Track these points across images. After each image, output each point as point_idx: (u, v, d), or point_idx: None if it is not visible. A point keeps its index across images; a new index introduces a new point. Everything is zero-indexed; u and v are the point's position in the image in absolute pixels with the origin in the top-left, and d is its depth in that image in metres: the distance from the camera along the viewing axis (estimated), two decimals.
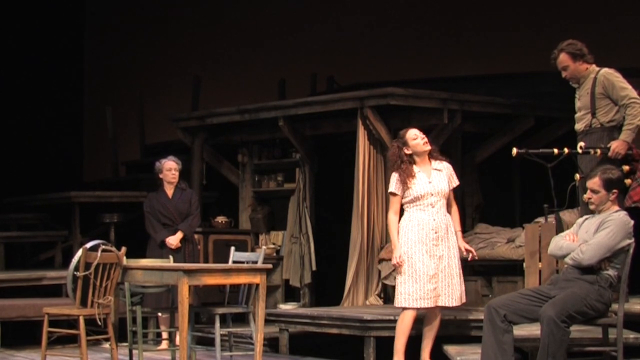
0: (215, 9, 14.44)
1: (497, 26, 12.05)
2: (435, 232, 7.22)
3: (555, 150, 7.11)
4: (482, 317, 6.28)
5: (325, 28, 13.46)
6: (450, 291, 7.24)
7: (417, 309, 7.16)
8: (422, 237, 7.21)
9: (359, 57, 12.97)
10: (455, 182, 7.45)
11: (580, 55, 7.18)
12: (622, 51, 10.44)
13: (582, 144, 7.10)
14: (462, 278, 7.35)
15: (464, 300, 7.36)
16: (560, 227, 7.13)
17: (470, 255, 7.43)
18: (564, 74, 7.28)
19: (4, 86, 13.25)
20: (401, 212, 7.38)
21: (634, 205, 6.98)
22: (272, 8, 13.94)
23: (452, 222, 7.36)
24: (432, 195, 7.26)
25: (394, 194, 7.33)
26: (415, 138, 7.30)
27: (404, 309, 7.18)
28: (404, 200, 7.31)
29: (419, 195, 7.24)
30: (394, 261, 7.28)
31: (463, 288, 7.35)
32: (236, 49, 14.10)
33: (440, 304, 7.22)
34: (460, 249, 7.34)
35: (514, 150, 7.19)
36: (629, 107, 7.04)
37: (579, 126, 7.33)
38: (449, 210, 7.39)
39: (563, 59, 7.20)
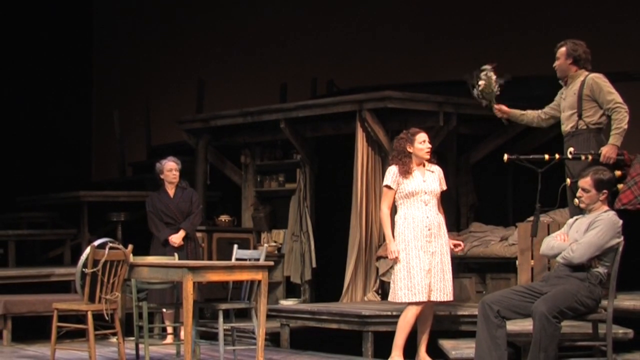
0: (219, 16, 14.37)
1: (492, 31, 11.95)
2: (429, 229, 7.35)
3: (546, 156, 7.14)
4: (477, 312, 6.38)
5: (325, 34, 13.39)
6: (443, 286, 7.36)
7: (417, 303, 7.25)
8: (417, 234, 7.33)
9: (358, 62, 12.84)
10: (444, 186, 7.57)
11: (574, 56, 7.31)
12: (616, 55, 10.49)
13: (571, 149, 7.13)
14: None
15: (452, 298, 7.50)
16: (536, 227, 7.16)
17: (459, 248, 7.59)
18: (555, 63, 7.42)
19: (14, 88, 13.32)
20: (394, 207, 7.49)
21: (622, 208, 7.06)
22: (274, 15, 13.84)
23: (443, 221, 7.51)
24: (425, 193, 7.40)
25: (389, 188, 7.43)
26: (422, 143, 7.45)
27: (408, 304, 7.28)
28: (397, 195, 7.43)
29: (413, 191, 7.37)
30: (390, 256, 7.40)
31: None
32: (239, 53, 13.99)
33: (433, 298, 7.33)
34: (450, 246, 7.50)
35: (505, 157, 7.22)
36: (615, 112, 7.12)
37: (565, 128, 7.39)
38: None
39: (561, 50, 7.37)
